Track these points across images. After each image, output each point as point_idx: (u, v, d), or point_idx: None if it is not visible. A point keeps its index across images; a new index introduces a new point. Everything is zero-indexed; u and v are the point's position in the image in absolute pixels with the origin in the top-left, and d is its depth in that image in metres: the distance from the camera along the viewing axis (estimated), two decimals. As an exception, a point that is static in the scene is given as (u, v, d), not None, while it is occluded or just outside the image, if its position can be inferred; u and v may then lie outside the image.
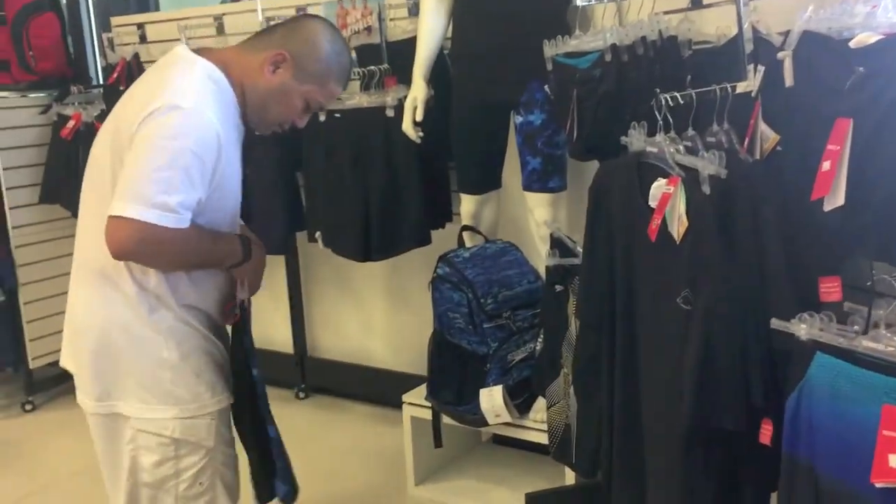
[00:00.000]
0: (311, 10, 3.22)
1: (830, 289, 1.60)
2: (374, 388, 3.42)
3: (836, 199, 1.49)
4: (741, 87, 1.81)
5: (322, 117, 2.89)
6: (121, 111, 1.66)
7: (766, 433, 1.60)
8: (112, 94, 3.52)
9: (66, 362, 1.79)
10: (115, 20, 3.88)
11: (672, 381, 1.68)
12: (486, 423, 2.50)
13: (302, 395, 3.61)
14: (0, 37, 3.69)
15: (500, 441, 2.97)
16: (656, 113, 1.82)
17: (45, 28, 3.78)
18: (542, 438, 2.38)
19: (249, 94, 1.69)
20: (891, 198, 1.43)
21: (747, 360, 1.60)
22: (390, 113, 2.78)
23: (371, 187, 2.85)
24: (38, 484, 2.97)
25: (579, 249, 2.04)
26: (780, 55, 1.66)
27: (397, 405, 2.83)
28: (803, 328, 1.44)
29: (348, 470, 2.96)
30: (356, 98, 2.84)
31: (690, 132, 1.80)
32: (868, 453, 1.32)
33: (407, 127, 2.66)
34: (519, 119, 2.49)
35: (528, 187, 2.52)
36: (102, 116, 3.54)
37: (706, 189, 1.65)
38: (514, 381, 2.48)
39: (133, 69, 3.56)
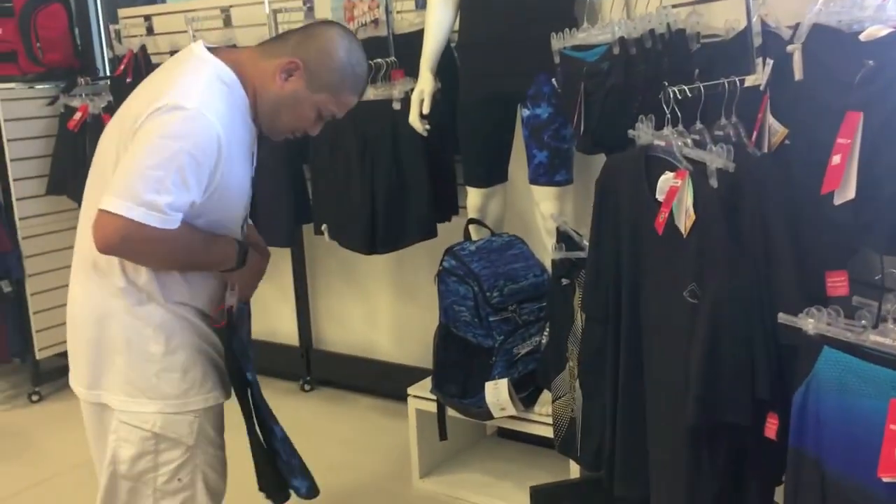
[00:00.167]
0: (318, 0, 3.22)
1: (837, 283, 1.60)
2: (380, 380, 3.42)
3: (846, 192, 1.48)
4: (749, 81, 1.80)
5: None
6: (129, 106, 1.66)
7: (771, 427, 1.60)
8: (119, 86, 3.52)
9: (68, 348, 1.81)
10: (122, 12, 3.88)
11: (678, 374, 1.68)
12: (491, 417, 2.50)
13: (307, 387, 3.62)
14: (7, 28, 3.70)
15: (505, 434, 2.98)
16: (664, 106, 1.81)
17: (53, 19, 3.78)
18: (548, 432, 2.38)
19: (261, 99, 1.68)
20: (900, 191, 1.43)
21: (753, 353, 1.60)
22: (397, 106, 2.78)
23: (377, 180, 2.85)
24: (45, 474, 2.99)
25: (585, 243, 2.03)
26: (789, 48, 1.65)
27: (402, 398, 2.83)
28: (811, 322, 1.44)
29: (353, 462, 2.96)
30: (363, 90, 2.83)
31: (698, 126, 1.80)
32: (875, 448, 1.32)
33: (414, 120, 2.66)
34: (526, 112, 2.48)
35: (534, 181, 2.52)
36: (109, 108, 3.55)
37: (714, 183, 1.64)
38: (519, 374, 2.48)
39: (140, 61, 3.56)
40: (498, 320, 2.47)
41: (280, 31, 3.16)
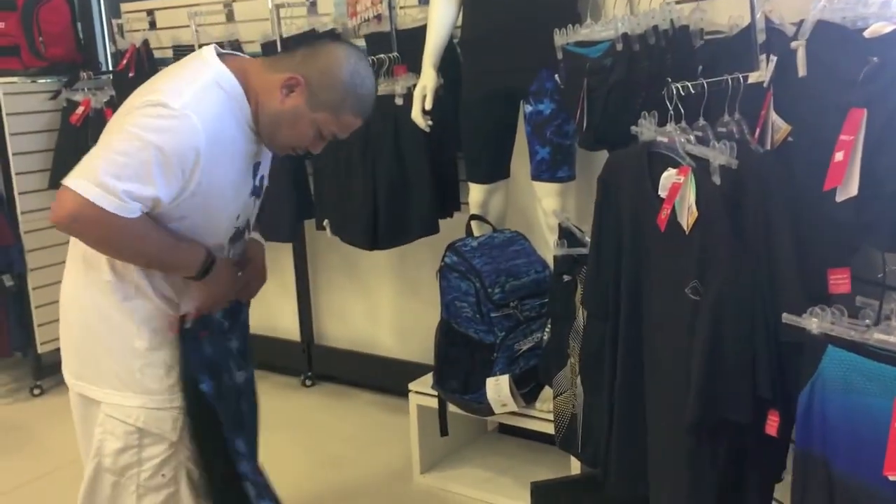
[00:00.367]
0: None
1: (839, 280, 1.60)
2: (381, 376, 3.42)
3: (848, 189, 1.48)
4: (753, 78, 1.80)
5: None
6: (129, 101, 1.66)
7: (772, 424, 1.60)
8: (121, 81, 3.52)
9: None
10: (124, 6, 3.88)
11: (679, 371, 1.68)
12: (492, 413, 2.50)
13: (308, 382, 3.62)
14: (10, 22, 3.70)
15: (506, 430, 2.98)
16: (667, 102, 1.81)
17: (55, 14, 3.78)
18: (548, 428, 2.38)
19: (262, 112, 1.66)
20: (903, 189, 1.43)
21: (755, 351, 1.60)
22: (399, 101, 2.77)
23: (379, 176, 2.84)
24: (46, 467, 2.99)
25: (587, 239, 2.03)
26: (793, 45, 1.65)
27: (404, 393, 2.83)
28: (814, 322, 1.43)
29: (354, 458, 2.96)
30: (366, 86, 2.83)
31: (701, 122, 1.80)
32: (882, 447, 1.32)
33: (416, 115, 2.65)
34: (528, 108, 2.48)
35: (536, 177, 2.52)
36: (111, 103, 3.55)
37: (716, 179, 1.64)
38: (520, 370, 2.48)
39: (142, 56, 3.56)
40: (499, 316, 2.47)
41: (283, 26, 3.16)
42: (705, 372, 1.61)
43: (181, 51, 3.56)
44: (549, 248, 2.41)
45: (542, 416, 2.46)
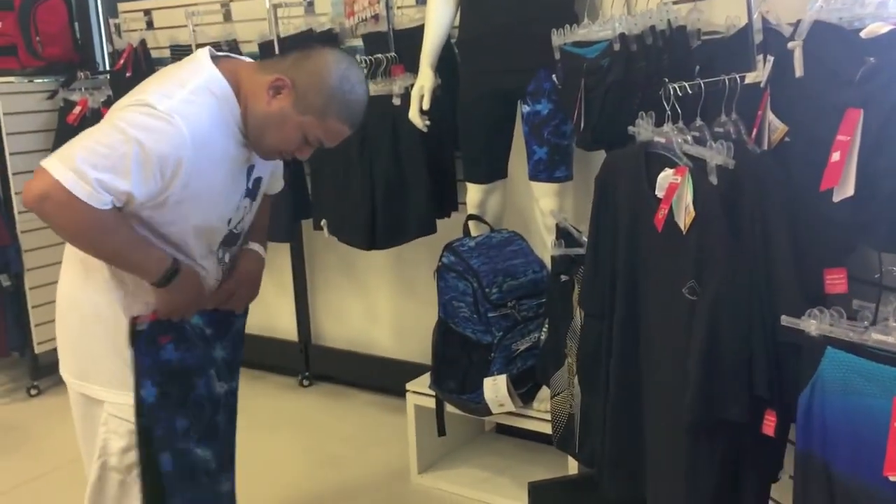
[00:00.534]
0: (318, -2, 3.22)
1: (836, 280, 1.60)
2: (378, 376, 3.42)
3: (845, 189, 1.48)
4: (750, 78, 1.80)
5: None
6: (119, 102, 1.66)
7: (769, 424, 1.60)
8: (118, 81, 3.52)
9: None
10: (121, 6, 3.88)
11: (676, 371, 1.68)
12: (489, 413, 2.50)
13: (306, 382, 3.62)
14: (7, 22, 3.69)
15: (504, 430, 2.98)
16: (664, 103, 1.81)
17: (52, 13, 3.78)
18: (546, 428, 2.38)
19: (250, 114, 1.65)
20: (900, 189, 1.43)
21: (752, 350, 1.60)
22: (397, 101, 2.77)
23: (377, 176, 2.84)
24: (44, 468, 2.99)
25: (585, 239, 2.03)
26: (790, 45, 1.65)
27: (401, 393, 2.83)
28: (813, 324, 1.44)
29: (351, 458, 2.96)
30: (363, 86, 2.83)
31: (698, 122, 1.80)
32: (881, 447, 1.32)
33: (413, 115, 2.65)
34: (526, 108, 2.48)
35: (534, 177, 2.52)
36: (109, 102, 3.55)
37: (713, 179, 1.64)
38: (518, 370, 2.48)
39: (140, 55, 3.56)
40: (497, 316, 2.47)
41: (280, 26, 3.16)
42: (702, 372, 1.61)
43: (178, 51, 3.56)
44: (546, 248, 2.41)
45: (540, 416, 2.46)
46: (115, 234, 1.59)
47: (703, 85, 1.81)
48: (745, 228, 1.62)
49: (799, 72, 1.63)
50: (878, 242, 1.52)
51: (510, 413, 2.50)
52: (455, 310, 2.55)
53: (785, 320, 1.48)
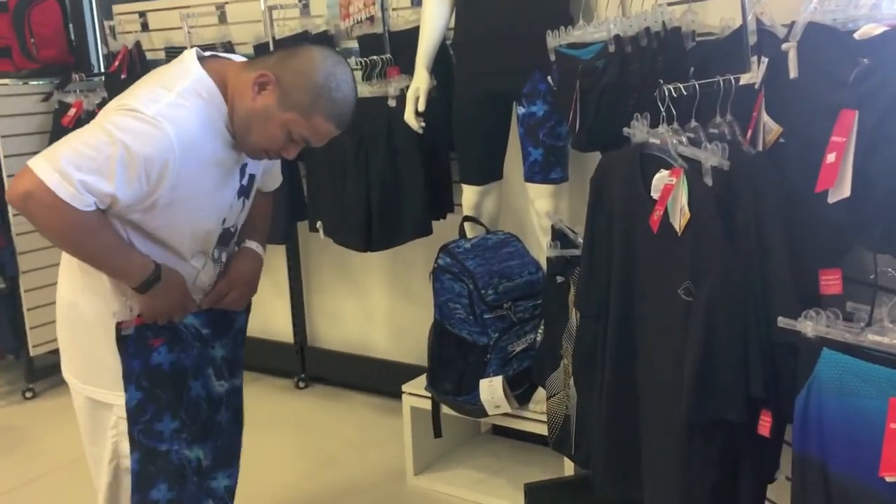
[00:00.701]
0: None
1: (830, 281, 1.60)
2: (374, 377, 3.42)
3: (841, 190, 1.48)
4: (744, 79, 1.80)
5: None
6: (108, 105, 1.66)
7: (764, 424, 1.60)
8: (113, 83, 3.51)
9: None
10: (116, 8, 3.87)
11: (672, 372, 1.68)
12: (485, 414, 2.50)
13: (302, 384, 3.61)
14: (1, 24, 3.68)
15: (500, 432, 2.98)
16: (659, 104, 1.81)
17: (47, 15, 3.77)
18: (542, 429, 2.38)
19: (235, 112, 1.64)
20: (895, 189, 1.43)
21: (748, 351, 1.60)
22: (392, 103, 2.77)
23: (372, 177, 2.84)
24: (39, 470, 2.98)
25: (580, 241, 2.04)
26: (784, 46, 1.65)
27: (397, 395, 2.83)
28: (809, 325, 1.44)
29: (348, 460, 2.96)
30: (358, 88, 2.82)
31: (693, 124, 1.80)
32: (877, 448, 1.32)
33: (409, 117, 2.65)
34: (521, 110, 2.48)
35: (529, 178, 2.52)
36: (103, 104, 3.50)
37: (708, 181, 1.65)
38: (514, 371, 2.48)
39: (135, 57, 3.55)
40: (493, 318, 2.47)
41: (275, 28, 3.16)
42: (698, 372, 1.61)
43: (173, 53, 3.55)
44: (542, 249, 2.41)
45: (536, 418, 2.46)
46: (98, 236, 1.59)
47: (697, 86, 1.81)
48: (740, 229, 1.62)
49: (793, 73, 1.63)
50: (874, 243, 1.52)
51: (506, 414, 2.50)
52: (451, 311, 2.55)
53: (782, 321, 1.48)
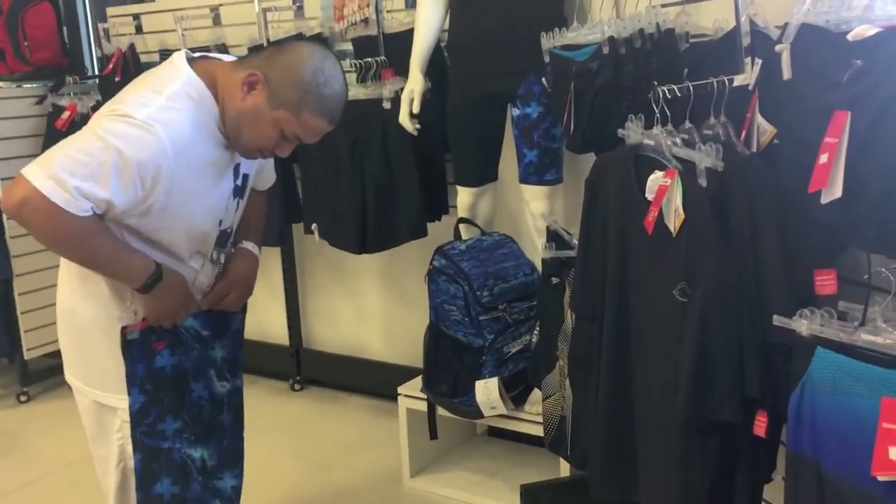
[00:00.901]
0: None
1: (825, 281, 1.60)
2: (370, 379, 3.42)
3: (833, 191, 1.49)
4: (738, 80, 1.81)
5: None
6: (100, 110, 1.66)
7: (760, 425, 1.61)
8: (107, 85, 3.51)
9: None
10: (110, 10, 3.87)
11: (668, 373, 1.69)
12: (481, 415, 2.50)
13: (297, 386, 3.61)
14: (-5, 27, 3.68)
15: (496, 433, 2.98)
16: (653, 105, 1.82)
17: (41, 18, 3.76)
18: (538, 430, 2.38)
19: (226, 112, 1.64)
20: (887, 190, 1.44)
21: (743, 352, 1.60)
22: (387, 105, 2.78)
23: (367, 179, 2.84)
24: (34, 474, 2.97)
25: (575, 242, 2.04)
26: (777, 48, 1.66)
27: (393, 397, 2.83)
28: (804, 324, 1.44)
29: (343, 462, 2.96)
30: (353, 90, 2.83)
31: (687, 125, 1.80)
32: (869, 447, 1.33)
33: (404, 119, 2.65)
34: (516, 111, 2.49)
35: (524, 180, 2.52)
36: (97, 107, 3.51)
37: (703, 182, 1.65)
38: (509, 373, 2.48)
39: (129, 60, 3.54)
40: (488, 319, 2.48)
41: (270, 30, 3.16)
42: (694, 373, 1.62)
43: (168, 55, 3.52)
44: (537, 250, 2.41)
45: (532, 419, 2.47)
46: (95, 240, 1.58)
47: (691, 88, 1.82)
48: (734, 230, 1.62)
49: (787, 74, 1.64)
50: (867, 243, 1.53)
51: (502, 416, 2.50)
52: (446, 313, 2.55)
53: (777, 320, 1.49)
